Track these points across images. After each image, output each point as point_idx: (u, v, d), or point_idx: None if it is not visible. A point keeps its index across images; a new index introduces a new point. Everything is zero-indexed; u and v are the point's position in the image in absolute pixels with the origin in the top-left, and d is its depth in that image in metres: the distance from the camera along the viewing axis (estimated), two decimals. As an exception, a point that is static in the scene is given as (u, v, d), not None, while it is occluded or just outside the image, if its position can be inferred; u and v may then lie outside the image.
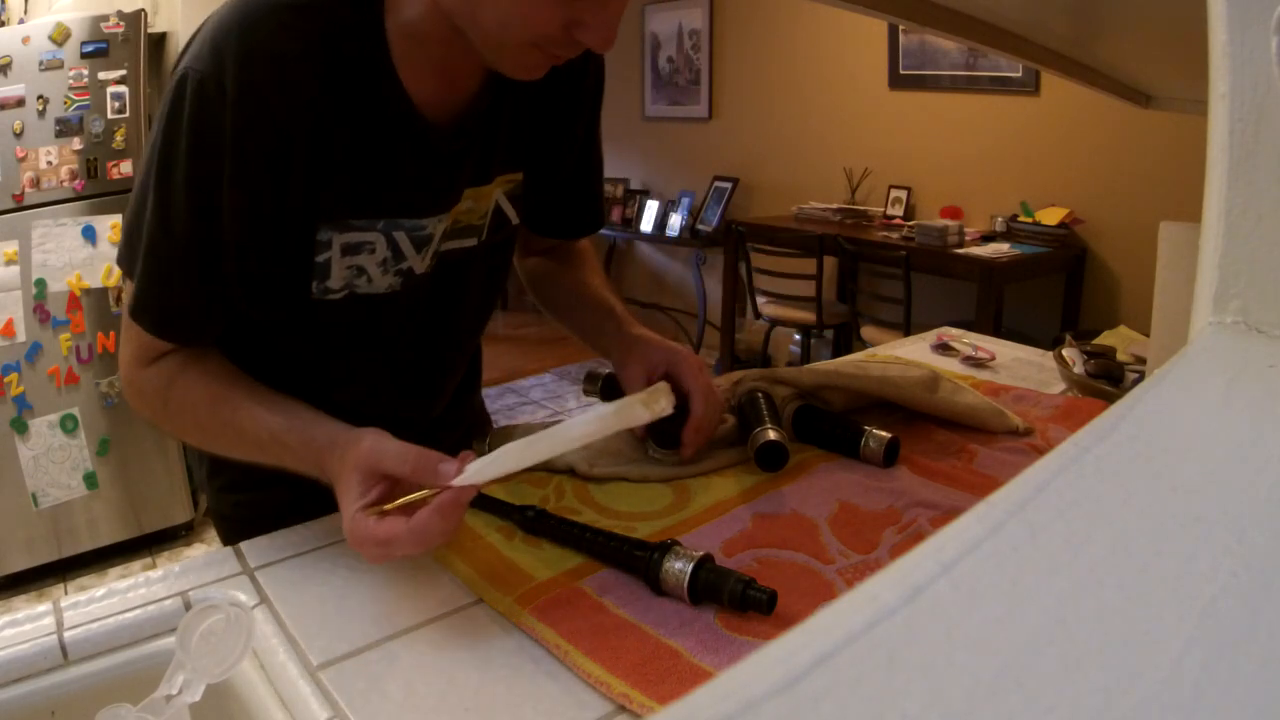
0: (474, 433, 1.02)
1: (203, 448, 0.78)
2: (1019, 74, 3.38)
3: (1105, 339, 1.28)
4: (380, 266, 0.76)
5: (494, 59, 0.68)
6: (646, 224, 4.66)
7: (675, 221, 4.59)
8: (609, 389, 0.98)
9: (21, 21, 2.63)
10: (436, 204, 0.77)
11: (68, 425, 2.44)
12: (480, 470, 0.61)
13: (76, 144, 2.37)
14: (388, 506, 0.62)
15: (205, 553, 0.76)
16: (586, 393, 1.00)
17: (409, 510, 0.61)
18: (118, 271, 2.45)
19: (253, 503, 0.89)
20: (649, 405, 0.63)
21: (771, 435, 0.82)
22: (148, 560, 2.63)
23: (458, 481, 0.60)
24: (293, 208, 0.69)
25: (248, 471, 0.76)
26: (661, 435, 0.85)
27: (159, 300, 0.71)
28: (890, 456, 0.86)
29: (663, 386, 0.64)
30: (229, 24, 0.64)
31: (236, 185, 0.66)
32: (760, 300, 3.78)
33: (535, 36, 0.64)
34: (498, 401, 4.01)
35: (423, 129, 0.72)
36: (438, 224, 0.78)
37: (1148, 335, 1.15)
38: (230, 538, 0.89)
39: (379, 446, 0.63)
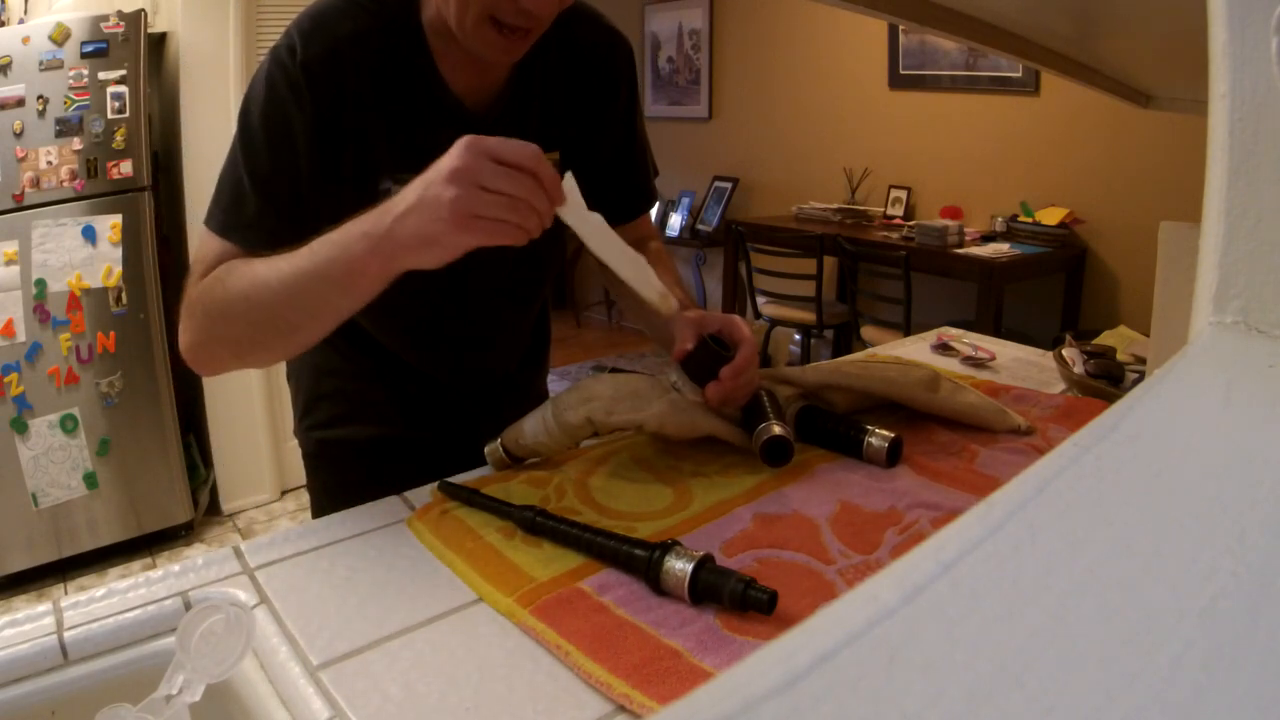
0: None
1: (251, 329, 0.80)
2: (1019, 74, 3.38)
3: (1105, 339, 1.28)
4: None
5: (471, 46, 0.79)
6: (647, 224, 4.66)
7: (675, 221, 4.59)
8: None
9: (21, 21, 2.63)
10: None
11: (68, 425, 2.44)
12: (576, 202, 0.71)
13: (76, 144, 2.36)
14: None
15: (205, 553, 0.76)
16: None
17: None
18: (118, 271, 2.46)
19: (336, 440, 1.05)
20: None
21: (776, 430, 0.82)
22: (148, 560, 2.63)
23: (566, 196, 0.70)
24: (353, 157, 0.84)
25: (334, 414, 1.03)
26: (698, 371, 0.86)
27: (230, 213, 0.83)
28: (893, 457, 0.86)
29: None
30: (306, 11, 0.83)
31: (303, 128, 0.81)
32: (760, 300, 3.77)
33: (481, 9, 0.75)
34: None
35: (457, 109, 0.87)
36: None
37: (1148, 335, 1.15)
38: (313, 474, 1.08)
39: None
